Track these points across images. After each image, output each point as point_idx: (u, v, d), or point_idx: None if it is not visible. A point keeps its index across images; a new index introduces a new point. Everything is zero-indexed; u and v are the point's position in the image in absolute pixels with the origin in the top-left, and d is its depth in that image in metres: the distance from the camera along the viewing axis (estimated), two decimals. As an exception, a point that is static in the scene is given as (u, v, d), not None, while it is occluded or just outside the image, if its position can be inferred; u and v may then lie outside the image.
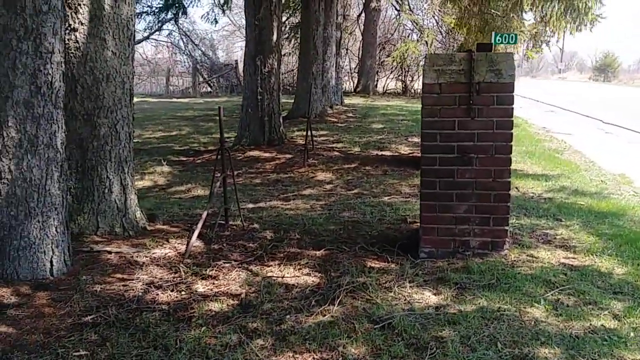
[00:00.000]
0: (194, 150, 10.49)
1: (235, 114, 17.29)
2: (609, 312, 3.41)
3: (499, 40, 10.45)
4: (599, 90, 34.78)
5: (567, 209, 5.89)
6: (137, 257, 4.36)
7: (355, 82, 27.79)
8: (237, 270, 4.18)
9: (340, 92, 18.45)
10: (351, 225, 5.38)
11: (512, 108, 4.26)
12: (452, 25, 16.57)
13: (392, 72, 28.75)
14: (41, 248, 3.87)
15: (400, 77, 28.43)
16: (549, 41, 16.29)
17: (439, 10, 22.67)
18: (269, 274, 4.12)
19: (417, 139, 10.76)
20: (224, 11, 19.78)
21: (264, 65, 9.69)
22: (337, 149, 9.80)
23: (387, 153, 9.44)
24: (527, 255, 4.40)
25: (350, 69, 29.96)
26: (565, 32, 9.41)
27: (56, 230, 3.94)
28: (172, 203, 6.58)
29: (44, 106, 3.77)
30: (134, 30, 4.90)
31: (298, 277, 4.08)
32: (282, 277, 4.05)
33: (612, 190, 7.01)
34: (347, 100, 19.38)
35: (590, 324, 3.25)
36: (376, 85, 27.53)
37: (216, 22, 19.34)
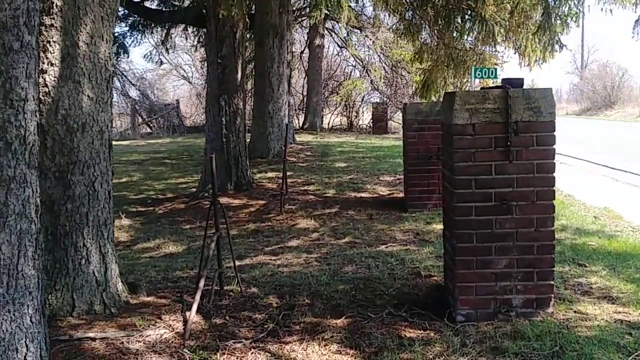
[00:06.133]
0: (152, 199, 9.63)
1: (185, 155, 16.45)
2: None
3: (478, 74, 10.25)
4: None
5: (582, 251, 5.52)
6: (128, 343, 3.58)
7: (302, 119, 27.44)
8: (253, 353, 3.48)
9: (292, 130, 17.97)
10: (362, 283, 4.78)
11: (554, 149, 3.86)
12: (408, 59, 16.46)
13: (336, 108, 28.65)
14: (12, 344, 3.05)
15: (345, 113, 28.35)
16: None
17: (385, 46, 22.75)
18: (292, 355, 3.46)
19: (389, 178, 10.33)
20: (168, 50, 19.11)
21: (229, 106, 9.03)
22: (310, 192, 9.19)
23: (366, 195, 8.92)
24: (575, 312, 3.94)
25: (295, 106, 29.65)
26: (539, 61, 9.31)
27: (31, 320, 3.13)
28: (145, 265, 5.78)
29: (16, 166, 3.00)
30: (112, 72, 4.20)
31: (328, 357, 3.43)
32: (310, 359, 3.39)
33: (611, 227, 6.75)
34: (297, 138, 18.90)
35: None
36: (322, 122, 27.26)
37: (161, 62, 18.47)
